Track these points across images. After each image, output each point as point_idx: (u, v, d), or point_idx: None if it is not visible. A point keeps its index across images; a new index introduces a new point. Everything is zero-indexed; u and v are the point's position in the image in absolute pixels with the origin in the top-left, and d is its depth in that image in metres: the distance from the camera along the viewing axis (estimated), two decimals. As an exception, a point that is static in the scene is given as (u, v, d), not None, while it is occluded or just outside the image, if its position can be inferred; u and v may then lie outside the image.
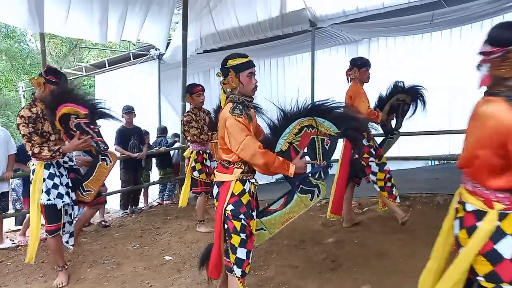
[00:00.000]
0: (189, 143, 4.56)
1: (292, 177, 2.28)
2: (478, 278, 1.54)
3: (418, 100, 3.92)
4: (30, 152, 3.09)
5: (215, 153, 4.39)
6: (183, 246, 4.03)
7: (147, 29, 6.87)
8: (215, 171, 2.47)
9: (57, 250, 3.31)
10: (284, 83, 8.72)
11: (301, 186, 2.51)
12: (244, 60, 2.28)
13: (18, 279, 3.48)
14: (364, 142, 3.72)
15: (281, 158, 2.25)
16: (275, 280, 3.02)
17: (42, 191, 3.12)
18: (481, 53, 1.53)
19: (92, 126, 3.23)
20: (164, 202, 6.77)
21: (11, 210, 5.68)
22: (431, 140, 7.12)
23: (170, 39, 7.91)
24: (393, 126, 4.05)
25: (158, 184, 6.98)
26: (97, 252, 4.02)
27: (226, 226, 2.32)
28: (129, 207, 6.13)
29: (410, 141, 6.76)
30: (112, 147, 4.66)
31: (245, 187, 2.31)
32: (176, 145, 6.91)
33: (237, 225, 2.26)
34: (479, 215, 1.55)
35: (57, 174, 3.19)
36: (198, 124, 4.34)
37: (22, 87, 14.04)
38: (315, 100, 2.51)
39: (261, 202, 2.59)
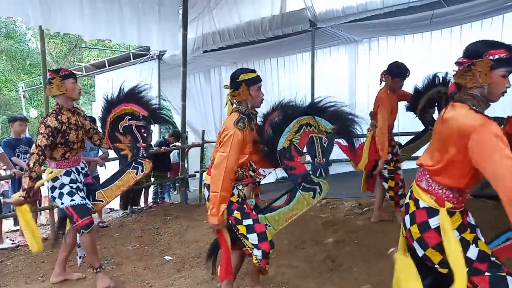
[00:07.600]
0: None
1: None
2: (435, 266, 1.74)
3: None
4: (26, 162, 2.83)
5: None
6: (183, 246, 4.03)
7: (160, 32, 6.72)
8: (204, 173, 2.60)
9: (93, 247, 3.04)
10: (285, 83, 8.70)
11: (303, 183, 2.61)
12: (255, 75, 2.44)
13: (18, 279, 3.48)
14: None
15: (221, 196, 2.32)
16: (275, 280, 3.02)
17: (63, 194, 2.90)
18: (456, 62, 1.70)
19: (142, 130, 3.12)
20: (154, 204, 6.71)
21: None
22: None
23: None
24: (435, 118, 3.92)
25: (153, 186, 6.90)
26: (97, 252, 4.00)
27: (229, 221, 2.44)
28: (129, 207, 6.12)
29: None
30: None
31: (234, 191, 2.46)
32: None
33: (238, 215, 2.41)
34: (430, 212, 1.71)
35: (79, 180, 3.02)
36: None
37: (22, 87, 14.08)
38: (312, 99, 2.63)
39: (261, 202, 2.64)
